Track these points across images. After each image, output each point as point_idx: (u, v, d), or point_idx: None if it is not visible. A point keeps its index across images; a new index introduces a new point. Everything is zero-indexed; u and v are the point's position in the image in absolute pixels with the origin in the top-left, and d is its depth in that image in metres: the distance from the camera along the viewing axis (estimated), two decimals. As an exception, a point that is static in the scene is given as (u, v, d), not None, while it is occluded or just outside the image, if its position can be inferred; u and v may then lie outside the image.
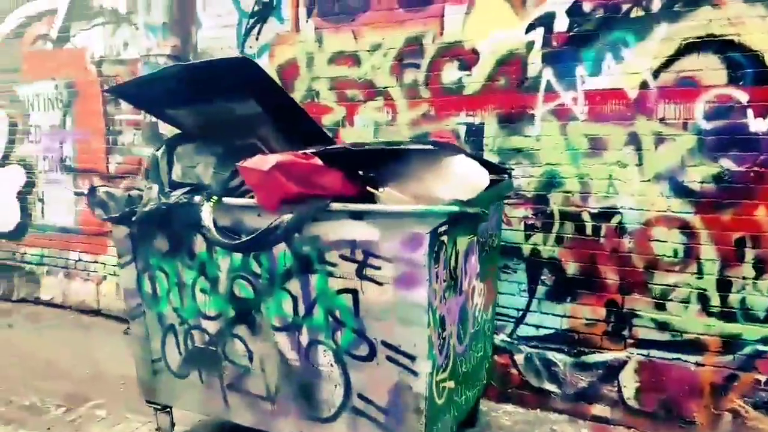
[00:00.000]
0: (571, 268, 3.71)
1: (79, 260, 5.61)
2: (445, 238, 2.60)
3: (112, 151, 5.29)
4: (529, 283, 3.83)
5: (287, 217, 2.68)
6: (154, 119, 4.19)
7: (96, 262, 5.50)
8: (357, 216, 2.66)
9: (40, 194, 5.81)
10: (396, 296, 2.62)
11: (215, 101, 3.16)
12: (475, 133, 3.91)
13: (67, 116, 5.53)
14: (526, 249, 3.82)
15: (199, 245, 3.07)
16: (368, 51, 4.15)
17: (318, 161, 2.72)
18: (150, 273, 3.27)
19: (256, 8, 4.47)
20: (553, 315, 3.79)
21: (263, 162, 2.73)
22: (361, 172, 2.99)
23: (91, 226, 5.50)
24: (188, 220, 2.97)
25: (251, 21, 4.51)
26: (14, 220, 6.01)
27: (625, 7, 3.46)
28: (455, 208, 2.51)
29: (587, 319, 3.69)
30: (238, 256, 2.90)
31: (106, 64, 5.22)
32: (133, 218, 3.09)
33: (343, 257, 2.74)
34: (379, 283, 2.64)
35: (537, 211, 3.77)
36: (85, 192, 3.10)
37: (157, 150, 3.29)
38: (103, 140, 5.31)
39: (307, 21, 4.32)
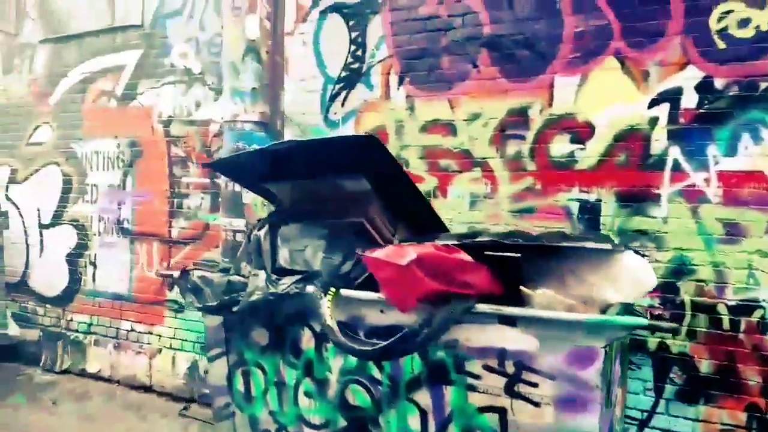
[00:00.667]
0: (705, 366, 3.30)
1: (132, 330, 5.23)
2: (611, 349, 2.20)
3: (176, 214, 4.98)
4: (656, 382, 3.41)
5: (430, 319, 2.29)
6: (236, 187, 3.86)
7: (150, 333, 5.12)
8: (509, 321, 2.28)
9: (92, 257, 5.47)
10: (557, 421, 2.21)
11: (325, 177, 2.83)
12: (590, 210, 3.55)
13: (128, 176, 5.24)
14: (653, 343, 3.41)
15: (307, 341, 2.69)
16: (465, 120, 3.86)
17: (465, 256, 2.35)
18: (245, 369, 2.89)
19: (343, 74, 4.22)
20: (684, 418, 3.36)
21: (399, 254, 2.37)
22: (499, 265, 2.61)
23: (147, 294, 5.14)
24: (298, 312, 2.59)
25: (337, 87, 4.26)
26: (62, 284, 5.68)
27: (763, 84, 3.14)
28: (643, 321, 2.11)
29: (724, 424, 3.24)
30: (353, 357, 2.50)
31: (175, 124, 4.96)
32: (235, 308, 2.71)
33: (488, 368, 2.35)
34: (536, 404, 2.24)
35: (665, 301, 3.37)
36: (175, 275, 2.79)
37: (258, 229, 2.95)
38: (167, 203, 5.00)
39: (398, 89, 4.05)
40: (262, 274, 2.78)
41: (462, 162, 3.95)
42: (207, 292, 2.92)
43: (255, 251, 2.95)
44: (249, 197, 3.84)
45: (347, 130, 4.23)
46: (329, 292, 2.60)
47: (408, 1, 4.03)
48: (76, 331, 5.63)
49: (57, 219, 5.75)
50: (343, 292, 2.64)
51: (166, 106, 5.04)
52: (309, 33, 4.34)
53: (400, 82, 4.10)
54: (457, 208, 3.94)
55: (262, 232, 2.97)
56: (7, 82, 6.07)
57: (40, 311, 5.90)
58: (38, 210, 5.89)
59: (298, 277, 2.74)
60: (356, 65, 4.20)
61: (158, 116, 5.11)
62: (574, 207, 3.65)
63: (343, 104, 4.27)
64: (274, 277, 2.78)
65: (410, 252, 2.39)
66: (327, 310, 2.54)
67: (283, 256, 2.89)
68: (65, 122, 5.66)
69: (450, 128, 3.96)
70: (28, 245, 5.95)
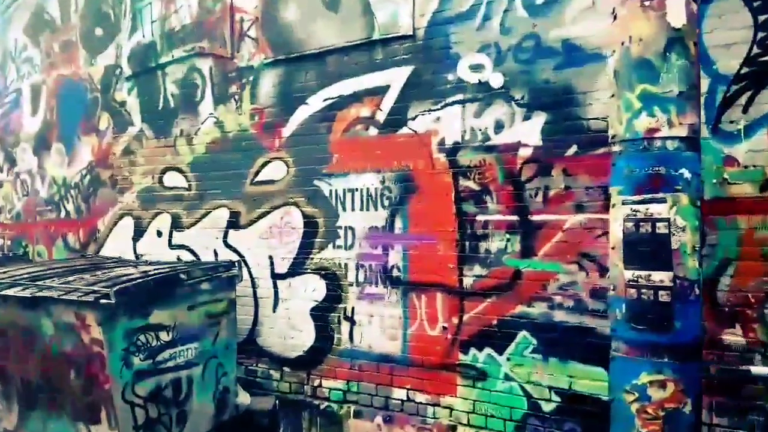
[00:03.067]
0: None
1: (409, 400, 4.22)
2: None
3: (469, 260, 3.97)
4: None
5: None
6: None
7: (437, 405, 4.11)
8: None
9: (347, 311, 4.54)
10: None
11: None
12: None
13: (397, 216, 4.30)
14: None
15: None
16: None
17: None
18: None
19: (744, 70, 3.11)
20: None
21: None
22: None
23: (429, 357, 4.15)
24: None
25: (733, 87, 3.14)
26: (305, 343, 4.81)
27: None
28: None
29: None
30: None
31: (464, 152, 3.99)
32: None
33: None
34: None
35: None
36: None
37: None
38: (454, 246, 4.01)
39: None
40: None
41: None
42: None
43: None
44: (677, 240, 2.77)
45: (753, 143, 3.13)
46: None
47: None
48: (327, 399, 4.69)
49: (297, 267, 4.89)
50: None
51: (451, 131, 4.13)
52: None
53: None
54: None
55: None
56: (221, 113, 5.28)
57: (275, 375, 5.01)
58: (270, 258, 4.99)
59: None
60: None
61: (439, 143, 4.16)
62: None
63: (745, 110, 3.16)
64: None
65: None
66: None
67: None
68: (305, 157, 4.81)
69: None
70: (256, 298, 5.08)
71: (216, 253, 5.42)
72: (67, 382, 4.04)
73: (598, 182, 3.58)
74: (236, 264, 4.92)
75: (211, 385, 4.59)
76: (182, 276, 4.35)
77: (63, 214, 6.62)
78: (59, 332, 3.98)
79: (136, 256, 5.88)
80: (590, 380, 3.68)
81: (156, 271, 4.36)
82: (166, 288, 4.15)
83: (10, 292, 4.11)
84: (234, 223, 5.34)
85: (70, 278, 4.33)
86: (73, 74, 6.56)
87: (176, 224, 5.68)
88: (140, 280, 4.03)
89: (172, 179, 5.70)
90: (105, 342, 3.77)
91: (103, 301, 3.69)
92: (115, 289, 3.76)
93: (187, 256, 5.59)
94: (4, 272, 4.74)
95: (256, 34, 5.15)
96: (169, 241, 5.72)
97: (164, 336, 4.18)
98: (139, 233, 5.95)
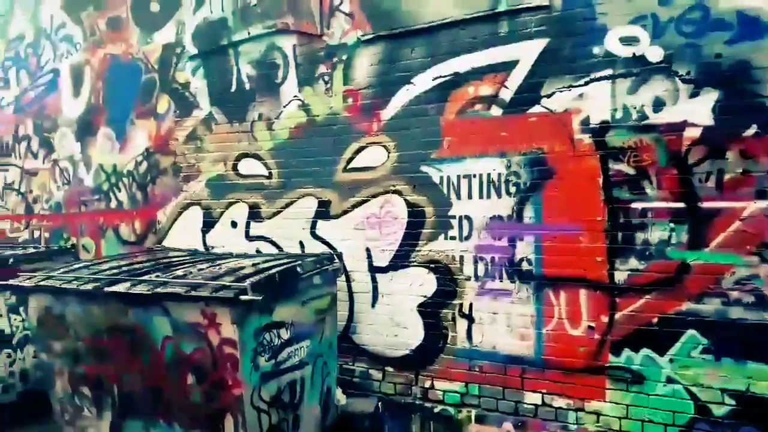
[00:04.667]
0: None
1: (544, 405, 3.81)
2: None
3: (621, 252, 3.56)
4: None
5: None
6: None
7: (580, 410, 3.70)
8: None
9: (465, 308, 4.11)
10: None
11: None
12: None
13: (528, 204, 3.86)
14: None
15: None
16: None
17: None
18: None
19: None
20: None
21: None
22: None
23: (571, 359, 3.73)
24: None
25: None
26: (412, 341, 4.39)
27: None
28: None
29: None
30: None
31: (615, 132, 3.54)
32: None
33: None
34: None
35: None
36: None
37: None
38: (603, 237, 3.58)
39: None
40: None
41: None
42: None
43: None
44: None
45: None
46: None
47: None
48: (441, 402, 4.25)
49: (400, 260, 4.41)
50: None
51: (598, 109, 3.68)
52: None
53: None
54: None
55: None
56: (308, 95, 4.75)
57: (376, 375, 4.55)
58: (367, 250, 4.51)
59: None
60: None
61: (582, 123, 3.70)
62: None
63: None
64: None
65: None
66: None
67: None
68: (409, 141, 4.32)
69: None
70: (351, 293, 4.61)
71: (302, 245, 4.93)
72: (183, 388, 3.53)
73: (784, 165, 3.18)
74: (337, 257, 4.42)
75: (318, 386, 4.15)
76: (299, 269, 3.84)
77: (114, 204, 5.99)
78: (178, 333, 3.45)
79: (206, 249, 5.32)
80: (770, 381, 3.28)
81: (270, 265, 3.85)
82: (288, 282, 3.66)
83: (119, 288, 3.56)
84: (323, 213, 4.83)
85: (174, 272, 3.79)
86: (123, 53, 5.95)
87: (254, 215, 5.15)
88: (267, 274, 3.51)
89: (250, 166, 5.17)
90: (239, 342, 3.26)
91: (242, 297, 3.17)
92: (249, 283, 3.24)
93: (267, 249, 5.05)
94: (77, 269, 4.18)
95: (350, 8, 4.62)
96: (246, 232, 5.18)
97: (284, 334, 3.71)
98: (209, 224, 5.39)
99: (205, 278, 3.55)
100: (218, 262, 4.20)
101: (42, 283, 3.99)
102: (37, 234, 6.71)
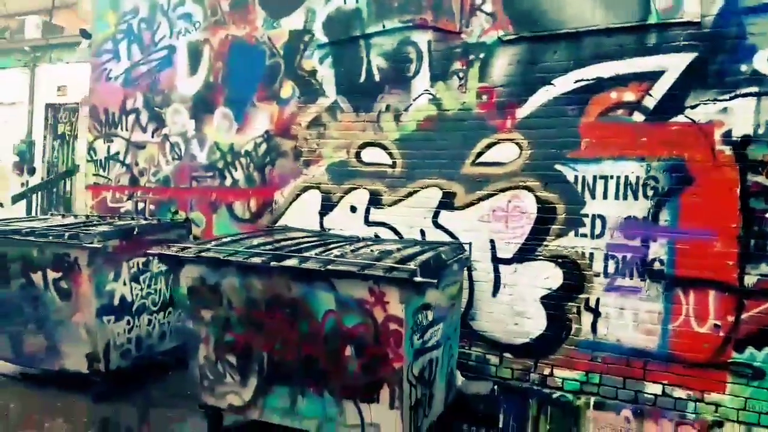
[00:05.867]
0: None
1: (665, 395, 4.28)
2: None
3: (754, 258, 4.00)
4: None
5: None
6: None
7: (699, 401, 4.18)
8: None
9: (591, 302, 4.56)
10: None
11: None
12: None
13: (663, 208, 4.32)
14: None
15: None
16: None
17: None
18: None
19: None
20: None
21: None
22: None
23: (695, 354, 4.20)
24: None
25: None
26: (533, 331, 4.91)
27: None
28: None
29: None
30: None
31: (756, 146, 4.00)
32: None
33: None
34: None
35: None
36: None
37: None
38: (736, 243, 4.03)
39: None
40: None
41: None
42: None
43: None
44: None
45: None
46: None
47: None
48: (560, 388, 4.74)
49: (526, 253, 4.91)
50: None
51: (741, 124, 4.13)
52: None
53: None
54: None
55: None
56: (440, 90, 5.23)
57: (492, 360, 5.07)
58: (491, 241, 5.00)
59: None
60: None
61: (723, 135, 4.15)
62: None
63: None
64: None
65: None
66: None
67: None
68: (544, 140, 4.80)
69: None
70: (472, 281, 5.11)
71: (423, 233, 5.42)
72: (341, 359, 4.02)
73: None
74: (467, 247, 4.91)
75: (445, 367, 4.64)
76: (443, 256, 4.34)
77: (229, 181, 6.53)
78: (342, 307, 3.95)
79: (323, 230, 5.83)
80: None
81: (416, 250, 4.35)
82: (438, 267, 4.14)
83: (290, 262, 4.07)
84: (447, 203, 5.33)
85: (332, 252, 4.29)
86: (247, 36, 6.46)
87: (375, 201, 5.66)
88: (424, 259, 4.02)
89: (373, 155, 5.68)
90: (404, 320, 3.76)
91: (416, 278, 3.67)
92: (419, 266, 3.74)
93: (386, 234, 5.56)
94: (228, 242, 4.71)
95: (493, 8, 5.07)
96: (366, 217, 5.68)
97: (429, 316, 4.21)
98: (327, 207, 5.93)
99: (367, 259, 4.05)
100: (358, 244, 4.70)
101: (203, 254, 4.49)
102: (141, 206, 7.26)
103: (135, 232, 5.89)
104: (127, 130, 7.47)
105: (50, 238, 5.46)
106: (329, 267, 3.97)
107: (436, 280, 3.82)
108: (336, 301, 4.01)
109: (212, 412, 4.72)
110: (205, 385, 4.65)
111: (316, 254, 4.24)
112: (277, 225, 6.18)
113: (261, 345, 4.42)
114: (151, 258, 5.89)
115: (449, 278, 4.53)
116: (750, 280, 4.19)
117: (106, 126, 7.62)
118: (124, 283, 5.76)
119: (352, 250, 4.43)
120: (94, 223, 6.27)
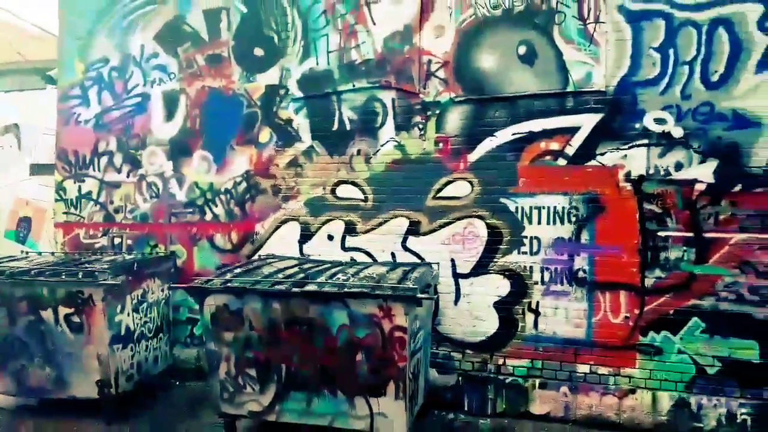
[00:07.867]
0: None
1: (592, 373, 6.03)
2: None
3: (650, 266, 5.84)
4: None
5: None
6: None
7: (617, 375, 5.95)
8: None
9: (533, 305, 6.26)
10: None
11: None
12: None
13: (584, 230, 6.09)
14: None
15: None
16: None
17: None
18: None
19: None
20: None
21: None
22: None
23: (612, 340, 5.97)
24: None
25: None
26: (489, 330, 6.51)
27: None
28: None
29: None
30: None
31: (648, 183, 5.84)
32: None
33: None
34: None
35: None
36: None
37: None
38: (637, 255, 5.85)
39: None
40: None
41: None
42: None
43: None
44: None
45: None
46: None
47: None
48: (511, 374, 6.38)
49: (480, 269, 6.51)
50: None
51: (637, 166, 5.95)
52: None
53: None
54: None
55: None
56: (403, 138, 6.76)
57: (456, 356, 6.62)
58: (452, 260, 6.58)
59: None
60: None
61: (625, 175, 5.97)
62: None
63: None
64: None
65: None
66: None
67: None
68: (491, 179, 6.44)
69: None
70: (437, 293, 6.63)
71: (393, 256, 6.88)
72: (352, 364, 5.37)
73: (758, 211, 5.53)
74: (435, 266, 6.43)
75: (424, 364, 6.11)
76: (427, 276, 5.84)
77: (209, 216, 7.66)
78: (354, 322, 5.33)
79: (303, 257, 7.14)
80: (745, 350, 5.63)
81: (404, 271, 5.80)
82: (427, 285, 5.64)
83: (311, 287, 5.39)
84: (414, 230, 6.84)
85: (337, 277, 5.63)
86: (224, 88, 7.64)
87: (350, 230, 7.05)
88: (416, 278, 5.48)
89: (347, 191, 7.08)
90: (408, 328, 5.21)
91: (420, 296, 5.13)
92: (420, 286, 5.21)
93: (360, 258, 6.96)
94: (242, 273, 5.94)
95: (445, 75, 6.66)
96: (342, 243, 7.06)
97: (418, 323, 5.66)
98: (306, 237, 7.24)
99: (370, 281, 5.44)
100: (350, 270, 6.06)
101: (229, 285, 5.68)
102: (117, 241, 8.19)
103: (135, 267, 6.90)
104: (99, 170, 8.33)
105: (63, 276, 6.36)
106: (345, 289, 5.31)
107: (435, 296, 5.26)
108: (348, 317, 5.35)
109: (230, 419, 5.87)
110: (224, 397, 5.80)
111: (326, 279, 5.56)
112: (259, 254, 7.37)
113: (279, 358, 5.64)
114: (146, 289, 6.93)
115: (427, 293, 6.00)
116: (649, 281, 5.99)
117: (76, 167, 8.43)
118: (128, 314, 6.76)
119: (354, 274, 5.78)
120: (83, 260, 7.16)
